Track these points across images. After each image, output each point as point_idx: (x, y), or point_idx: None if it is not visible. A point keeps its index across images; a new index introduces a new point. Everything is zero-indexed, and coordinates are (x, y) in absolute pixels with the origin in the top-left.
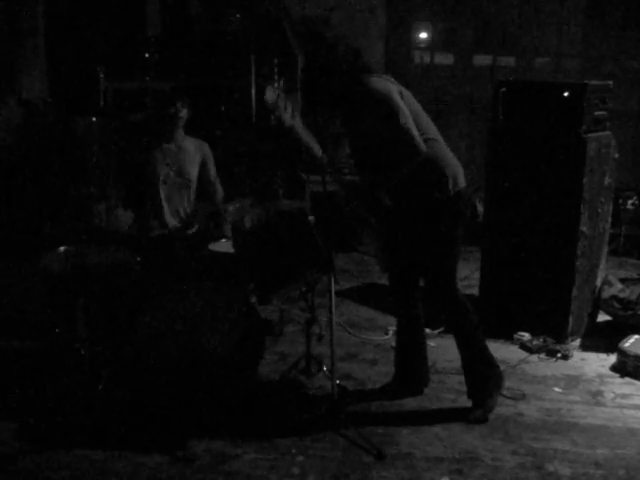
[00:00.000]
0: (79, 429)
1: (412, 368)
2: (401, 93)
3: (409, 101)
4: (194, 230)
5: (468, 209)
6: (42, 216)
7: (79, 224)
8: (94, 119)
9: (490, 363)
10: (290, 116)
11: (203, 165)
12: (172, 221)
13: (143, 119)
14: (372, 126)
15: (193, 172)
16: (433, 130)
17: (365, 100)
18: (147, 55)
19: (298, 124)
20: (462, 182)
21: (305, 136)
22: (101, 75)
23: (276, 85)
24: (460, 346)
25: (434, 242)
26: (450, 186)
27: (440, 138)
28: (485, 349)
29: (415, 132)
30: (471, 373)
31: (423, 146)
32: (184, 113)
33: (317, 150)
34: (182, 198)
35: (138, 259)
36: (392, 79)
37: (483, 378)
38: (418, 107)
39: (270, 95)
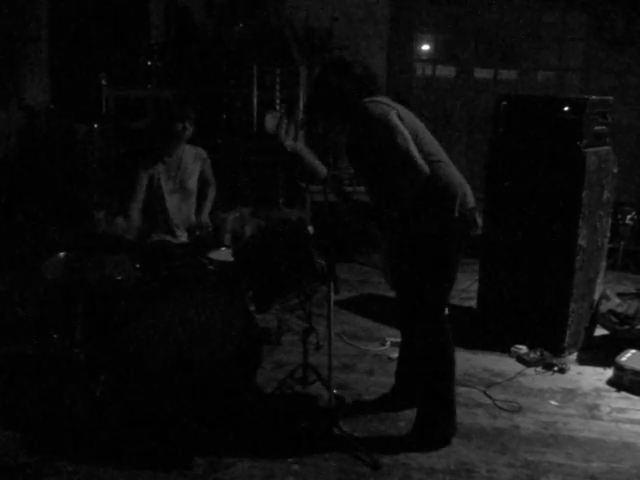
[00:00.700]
0: (76, 435)
1: (412, 381)
2: (399, 115)
3: (409, 121)
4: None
5: (471, 230)
6: (42, 222)
7: (79, 230)
8: (96, 126)
9: (447, 406)
10: (292, 140)
11: (202, 173)
12: (177, 232)
13: (145, 126)
14: (373, 150)
15: (193, 182)
16: (437, 150)
17: (364, 125)
18: (150, 63)
19: (301, 147)
20: (470, 203)
21: (309, 157)
22: (103, 82)
23: (277, 110)
24: (422, 374)
25: (431, 261)
26: (456, 207)
27: (446, 157)
28: (449, 389)
29: (415, 153)
30: (423, 408)
31: (425, 167)
32: (190, 131)
33: (321, 169)
34: (186, 209)
35: (137, 266)
36: (390, 101)
37: (433, 419)
38: (420, 127)
39: (270, 123)
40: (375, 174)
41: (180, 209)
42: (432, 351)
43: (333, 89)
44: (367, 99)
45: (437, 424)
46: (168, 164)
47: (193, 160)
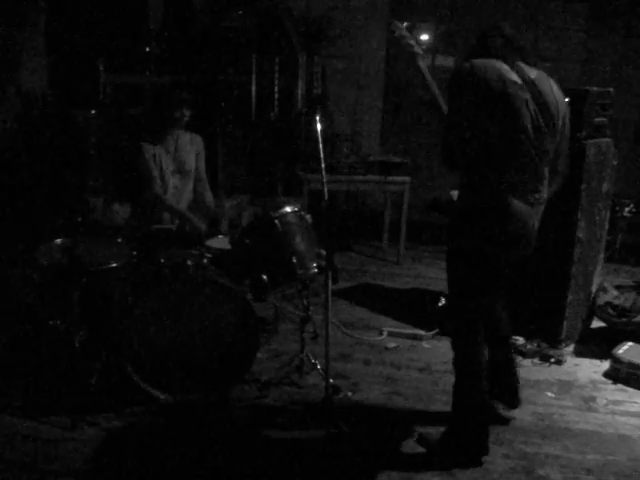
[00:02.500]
0: (71, 422)
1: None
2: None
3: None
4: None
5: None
6: (39, 208)
7: (76, 217)
8: (93, 112)
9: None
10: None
11: (197, 156)
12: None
13: (143, 113)
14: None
15: (191, 163)
16: (524, 172)
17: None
18: (148, 49)
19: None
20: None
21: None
22: (101, 68)
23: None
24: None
25: (472, 273)
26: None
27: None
28: (475, 402)
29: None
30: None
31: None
32: (188, 116)
33: (434, 87)
34: (185, 189)
35: (134, 253)
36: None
37: (460, 433)
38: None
39: (398, 29)
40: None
41: (179, 189)
42: (460, 358)
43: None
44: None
45: (465, 438)
46: (167, 146)
47: (189, 143)
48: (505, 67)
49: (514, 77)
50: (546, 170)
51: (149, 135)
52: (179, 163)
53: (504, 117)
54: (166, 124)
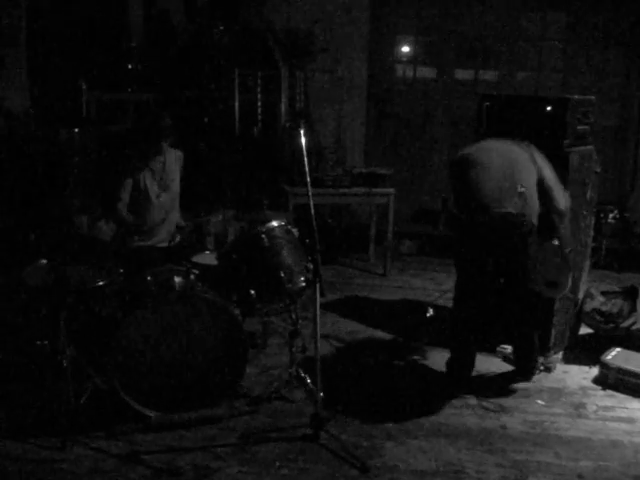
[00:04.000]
0: (61, 442)
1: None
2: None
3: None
4: (176, 241)
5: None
6: (24, 228)
7: (61, 236)
8: (76, 130)
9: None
10: None
11: (180, 173)
12: (162, 234)
13: (125, 131)
14: None
15: (177, 184)
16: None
17: None
18: (130, 66)
19: None
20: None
21: None
22: (83, 86)
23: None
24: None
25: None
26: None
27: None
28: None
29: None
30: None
31: None
32: (166, 124)
33: None
34: (172, 211)
35: (120, 271)
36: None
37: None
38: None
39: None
40: None
41: (166, 211)
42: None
43: None
44: None
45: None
46: (153, 167)
47: (174, 162)
48: None
49: None
50: None
51: (135, 155)
52: (165, 184)
53: None
54: (148, 139)
